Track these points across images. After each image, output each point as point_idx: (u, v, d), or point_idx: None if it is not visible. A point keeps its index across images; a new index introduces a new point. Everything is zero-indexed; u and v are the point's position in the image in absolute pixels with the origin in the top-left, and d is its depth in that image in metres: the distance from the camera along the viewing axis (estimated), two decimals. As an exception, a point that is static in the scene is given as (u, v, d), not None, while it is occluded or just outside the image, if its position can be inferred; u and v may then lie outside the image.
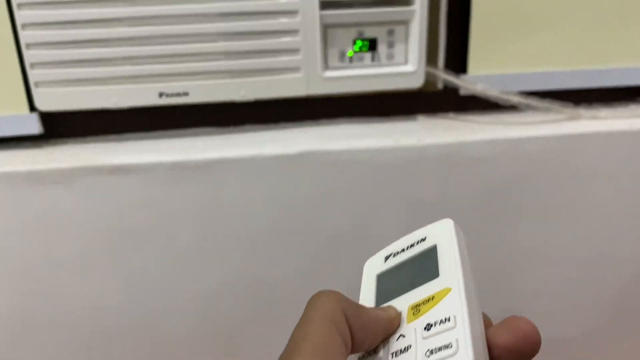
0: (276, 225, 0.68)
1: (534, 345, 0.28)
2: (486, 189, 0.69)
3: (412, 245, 0.35)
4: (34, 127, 0.64)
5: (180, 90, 0.63)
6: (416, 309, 0.31)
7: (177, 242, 0.67)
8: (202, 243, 0.67)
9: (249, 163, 0.64)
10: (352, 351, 0.29)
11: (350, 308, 0.29)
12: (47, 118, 0.66)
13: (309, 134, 0.68)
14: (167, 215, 0.65)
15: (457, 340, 0.28)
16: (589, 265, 0.74)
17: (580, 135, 0.68)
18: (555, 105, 0.70)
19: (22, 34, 0.60)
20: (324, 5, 0.62)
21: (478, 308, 0.30)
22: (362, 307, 0.30)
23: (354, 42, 0.65)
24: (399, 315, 0.31)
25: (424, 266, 0.33)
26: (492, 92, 0.68)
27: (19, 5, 0.59)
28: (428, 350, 0.28)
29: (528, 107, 0.69)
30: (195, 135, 0.69)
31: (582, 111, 0.71)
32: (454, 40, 0.69)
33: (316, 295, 0.30)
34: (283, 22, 0.62)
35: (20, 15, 0.59)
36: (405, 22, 0.65)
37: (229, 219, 0.66)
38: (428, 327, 0.29)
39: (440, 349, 0.28)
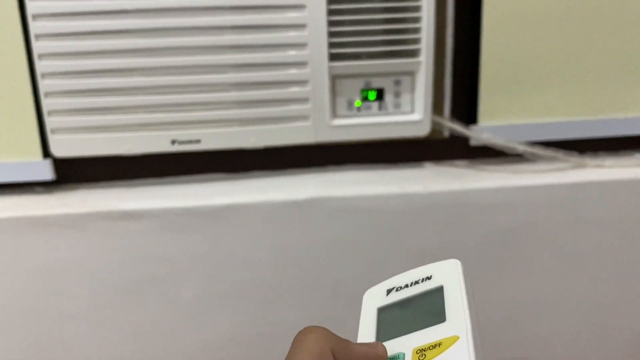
0: (281, 275, 0.68)
1: None
2: (492, 237, 0.69)
3: (416, 282, 0.35)
4: (47, 173, 0.65)
5: (193, 138, 0.64)
6: (422, 354, 0.30)
7: (184, 291, 0.67)
8: (208, 293, 0.67)
9: (257, 209, 0.65)
10: None
11: (338, 345, 0.29)
12: (60, 164, 0.67)
13: (316, 181, 0.69)
14: (174, 263, 0.66)
15: None
16: (596, 313, 0.73)
17: (586, 183, 0.69)
18: (560, 154, 0.70)
19: (41, 83, 0.62)
20: (333, 57, 0.64)
21: (483, 358, 0.30)
22: (350, 344, 0.30)
23: (362, 92, 0.67)
24: (386, 352, 0.31)
25: (429, 307, 0.33)
26: (498, 141, 0.69)
27: (40, 56, 0.61)
28: None
29: (534, 156, 0.70)
30: (205, 181, 0.70)
31: (588, 160, 0.72)
32: (461, 91, 0.71)
33: (303, 332, 0.30)
34: (293, 73, 0.64)
35: (40, 65, 0.61)
36: (411, 73, 0.66)
37: (235, 268, 0.67)
38: None
39: None
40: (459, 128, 0.69)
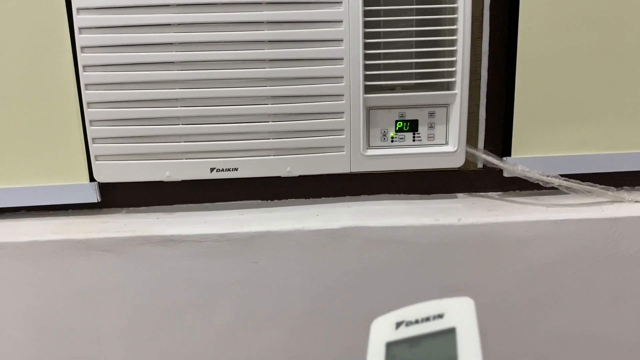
0: (314, 302, 0.68)
1: None
2: (526, 271, 0.68)
3: (427, 319, 0.33)
4: (92, 196, 0.68)
5: (231, 166, 0.66)
6: None
7: (218, 316, 0.68)
8: (242, 319, 0.68)
9: (291, 237, 0.66)
10: None
11: None
12: (104, 187, 0.70)
13: (350, 210, 0.70)
14: (210, 288, 0.67)
15: None
16: (632, 352, 0.71)
17: (623, 218, 0.67)
18: (597, 188, 0.70)
19: (87, 111, 0.64)
20: (368, 89, 0.65)
21: None
22: None
23: (396, 123, 0.68)
24: None
25: (441, 351, 0.32)
26: (532, 174, 0.69)
27: (86, 86, 0.64)
28: None
29: (569, 190, 0.70)
30: (242, 207, 0.71)
31: (625, 194, 0.71)
32: (495, 123, 0.71)
33: None
34: (329, 104, 0.65)
35: (87, 95, 0.64)
36: (446, 105, 0.67)
37: (269, 294, 0.68)
38: None
39: None
40: (493, 160, 0.69)
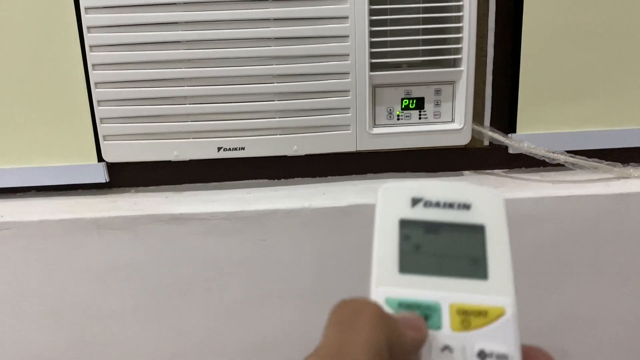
0: (322, 279, 0.69)
1: None
2: (532, 247, 0.68)
3: (451, 205, 0.29)
4: (101, 176, 0.69)
5: (237, 145, 0.67)
6: (465, 319, 0.26)
7: (227, 293, 0.69)
8: (250, 295, 0.69)
9: (299, 214, 0.67)
10: None
11: (392, 332, 0.24)
12: (113, 167, 0.70)
13: (356, 188, 0.70)
14: (219, 265, 0.68)
15: None
16: (638, 329, 0.72)
17: (629, 194, 0.68)
18: (603, 164, 0.70)
19: (95, 91, 0.65)
20: (374, 67, 0.65)
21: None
22: (400, 329, 0.25)
23: (402, 101, 0.68)
24: (427, 334, 0.26)
25: (467, 250, 0.28)
26: (539, 150, 0.69)
27: (94, 66, 0.64)
28: None
29: (575, 166, 0.70)
30: (249, 187, 0.72)
31: (631, 170, 0.71)
32: (501, 99, 0.71)
33: (353, 308, 0.25)
34: (335, 82, 0.65)
35: (94, 74, 0.64)
36: (452, 82, 0.67)
37: (277, 271, 0.68)
38: (482, 356, 0.26)
39: None
40: (499, 137, 0.69)
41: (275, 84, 0.65)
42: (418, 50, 0.65)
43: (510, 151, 0.71)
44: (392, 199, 0.29)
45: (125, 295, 0.69)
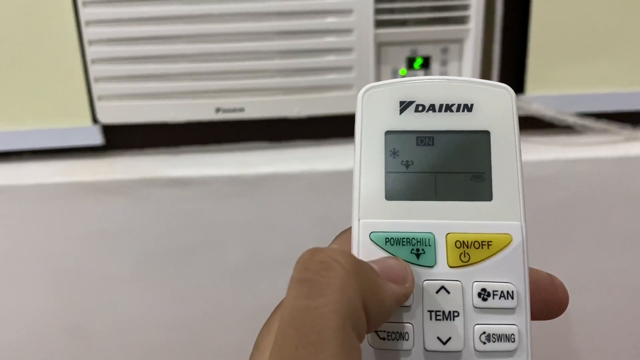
0: (324, 243, 0.68)
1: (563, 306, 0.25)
2: (540, 211, 0.67)
3: (449, 108, 0.24)
4: (96, 138, 0.67)
5: (236, 106, 0.64)
6: (464, 252, 0.23)
7: (229, 258, 0.68)
8: (252, 260, 0.68)
9: (301, 178, 0.65)
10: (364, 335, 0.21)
11: (368, 288, 0.21)
12: (108, 130, 0.68)
13: (359, 151, 0.69)
14: (219, 230, 0.67)
15: (519, 333, 0.22)
16: (646, 292, 0.72)
17: (637, 157, 0.66)
18: (612, 126, 0.68)
19: (88, 50, 0.62)
20: (378, 24, 0.62)
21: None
22: (378, 283, 0.21)
23: (408, 60, 0.65)
24: (412, 288, 0.22)
25: (470, 164, 0.23)
26: (547, 112, 0.67)
27: (87, 23, 0.61)
28: (484, 333, 0.22)
29: (584, 128, 0.68)
30: (249, 149, 0.70)
31: (641, 133, 0.69)
32: (510, 59, 0.69)
33: (326, 263, 0.21)
34: (338, 40, 0.63)
35: (87, 32, 0.62)
36: (459, 41, 0.65)
37: (279, 235, 0.67)
38: (484, 295, 0.22)
39: (499, 338, 0.22)
40: (507, 98, 0.67)
41: (275, 42, 0.62)
42: (425, 6, 0.62)
43: (519, 112, 0.69)
44: (375, 104, 0.24)
45: (124, 259, 0.68)
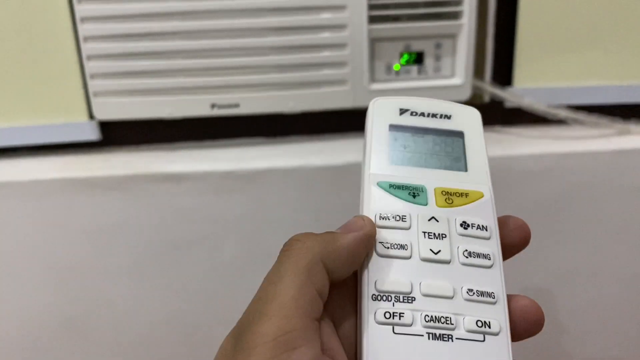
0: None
1: (527, 241, 0.32)
2: (532, 205, 0.68)
3: (434, 115, 0.33)
4: (93, 134, 0.67)
5: (232, 102, 0.65)
6: (448, 197, 0.30)
7: (224, 253, 0.68)
8: (247, 255, 0.69)
9: (295, 173, 0.66)
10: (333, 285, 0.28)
11: (326, 248, 0.28)
12: (105, 126, 0.69)
13: (354, 146, 0.69)
14: (214, 225, 0.67)
15: (493, 254, 0.29)
16: (637, 286, 0.73)
17: (630, 150, 0.67)
18: (604, 120, 0.69)
19: (83, 46, 0.62)
20: (372, 20, 0.63)
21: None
22: (337, 241, 0.28)
23: (401, 55, 0.66)
24: (373, 227, 0.29)
25: (449, 150, 0.32)
26: (539, 105, 0.68)
27: (82, 19, 0.62)
28: (466, 250, 0.29)
29: (576, 122, 0.69)
30: (244, 145, 0.71)
31: (632, 126, 0.70)
32: (501, 53, 0.69)
33: (289, 243, 0.29)
34: (331, 36, 0.63)
35: (83, 29, 0.62)
36: (452, 36, 0.65)
37: (274, 230, 0.68)
38: (465, 225, 0.29)
39: (479, 255, 0.29)
40: (499, 92, 0.68)
41: (270, 38, 0.63)
42: (419, 2, 0.63)
43: (507, 105, 0.69)
44: (382, 109, 0.33)
45: (120, 254, 0.68)
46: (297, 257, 0.27)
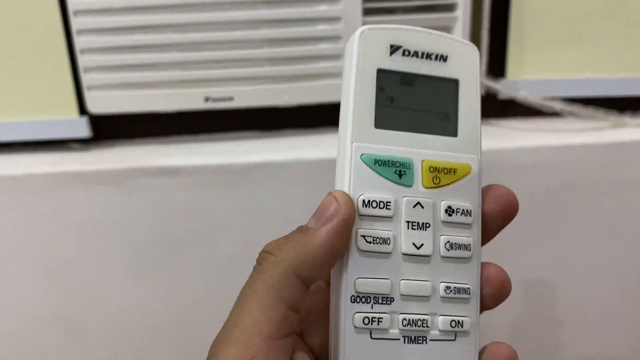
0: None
1: (515, 209, 0.30)
2: (526, 198, 0.68)
3: (429, 56, 0.29)
4: (83, 130, 0.67)
5: (226, 95, 0.64)
6: (436, 175, 0.28)
7: (219, 247, 0.68)
8: (243, 249, 0.68)
9: (290, 167, 0.65)
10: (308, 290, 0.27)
11: (299, 259, 0.26)
12: (96, 121, 0.68)
13: (349, 139, 0.69)
14: (209, 219, 0.67)
15: (473, 244, 0.29)
16: (632, 279, 0.73)
17: (625, 143, 0.67)
18: (599, 112, 0.69)
19: (77, 40, 0.62)
20: (366, 12, 0.62)
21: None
22: (309, 244, 0.27)
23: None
24: (351, 206, 0.27)
25: (440, 104, 0.30)
26: (533, 98, 0.67)
27: (75, 13, 0.61)
28: (448, 242, 0.28)
29: (571, 114, 0.69)
30: (239, 138, 0.70)
31: (627, 119, 0.70)
32: (498, 46, 0.69)
33: (261, 257, 0.28)
34: (326, 28, 0.63)
35: (76, 22, 0.61)
36: (447, 28, 0.65)
37: (270, 224, 0.68)
38: (449, 211, 0.28)
39: (459, 246, 0.28)
40: (492, 84, 0.68)
41: (264, 31, 0.62)
42: (412, -6, 0.63)
43: (500, 97, 0.69)
44: (370, 46, 0.29)
45: (114, 249, 0.68)
46: (267, 274, 0.26)
